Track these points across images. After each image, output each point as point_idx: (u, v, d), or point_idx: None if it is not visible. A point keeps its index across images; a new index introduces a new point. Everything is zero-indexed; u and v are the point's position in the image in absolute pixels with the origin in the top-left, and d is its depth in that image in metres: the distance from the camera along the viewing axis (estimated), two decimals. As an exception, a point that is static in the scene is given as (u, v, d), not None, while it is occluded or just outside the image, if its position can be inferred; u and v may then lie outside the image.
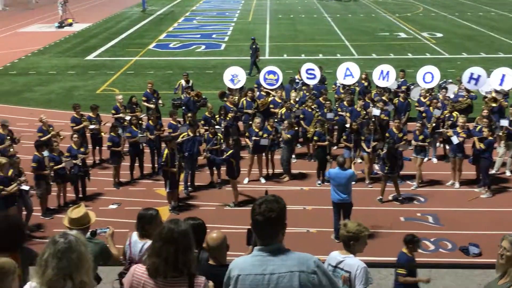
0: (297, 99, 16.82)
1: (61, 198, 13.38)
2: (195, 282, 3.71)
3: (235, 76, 18.56)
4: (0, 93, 23.22)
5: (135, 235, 5.96)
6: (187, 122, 15.14)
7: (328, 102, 16.38)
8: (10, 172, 11.70)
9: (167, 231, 3.69)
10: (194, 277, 3.73)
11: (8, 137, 14.04)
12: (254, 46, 25.56)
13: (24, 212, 11.87)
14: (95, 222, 5.79)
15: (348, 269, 5.39)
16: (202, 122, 15.61)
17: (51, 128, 14.94)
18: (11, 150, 13.70)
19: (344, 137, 14.55)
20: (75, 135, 13.85)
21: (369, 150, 13.95)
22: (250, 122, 15.53)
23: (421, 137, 13.99)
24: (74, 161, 13.22)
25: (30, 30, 39.44)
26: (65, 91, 23.57)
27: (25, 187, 11.70)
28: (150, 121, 15.23)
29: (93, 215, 5.74)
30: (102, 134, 15.64)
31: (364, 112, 15.72)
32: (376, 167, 14.54)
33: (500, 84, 17.35)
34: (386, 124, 15.87)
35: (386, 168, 13.06)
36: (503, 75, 17.47)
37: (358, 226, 5.44)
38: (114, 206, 13.27)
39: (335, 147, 15.92)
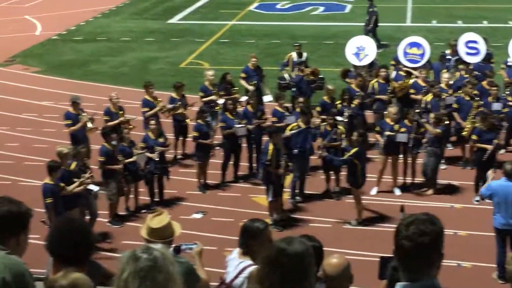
0: (450, 82, 16.32)
1: (132, 201, 13.87)
2: None
3: (361, 49, 18.35)
4: (62, 64, 24.55)
5: (235, 252, 6.09)
6: (298, 110, 15.16)
7: (494, 88, 15.73)
8: (73, 165, 12.23)
9: (275, 252, 3.72)
10: None
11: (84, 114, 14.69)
12: (371, 10, 25.04)
13: (87, 217, 12.39)
14: (179, 235, 5.94)
15: None
16: (318, 109, 15.59)
17: (121, 112, 15.38)
18: (89, 125, 14.27)
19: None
20: (152, 121, 14.26)
21: None
22: (384, 112, 15.26)
23: None
24: (149, 155, 13.56)
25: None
26: (141, 63, 24.55)
27: (93, 188, 12.17)
28: (248, 106, 15.40)
29: (178, 226, 5.90)
30: (188, 121, 15.96)
31: None
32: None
33: None
34: None
35: None
36: None
37: None
38: (198, 216, 13.56)
39: (502, 151, 15.30)
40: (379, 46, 23.17)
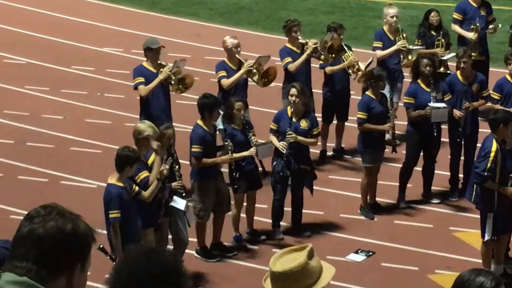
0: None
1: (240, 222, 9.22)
2: None
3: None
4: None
5: None
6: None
7: None
8: (153, 158, 7.87)
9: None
10: None
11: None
12: None
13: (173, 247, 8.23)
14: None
15: None
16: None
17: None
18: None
19: None
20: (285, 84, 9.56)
21: None
22: None
23: None
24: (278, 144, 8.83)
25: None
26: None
27: (179, 206, 8.01)
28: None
29: (330, 270, 3.55)
30: None
31: None
32: None
33: None
34: None
35: None
36: None
37: None
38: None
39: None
40: None
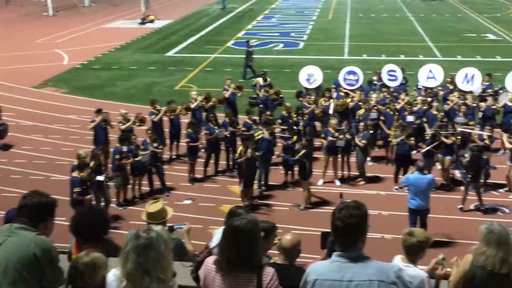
0: (377, 101, 16.50)
1: (137, 190, 13.83)
2: (264, 273, 3.75)
3: (311, 76, 18.53)
4: (84, 87, 24.23)
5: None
6: (263, 121, 15.18)
7: (409, 107, 15.87)
8: (92, 163, 12.05)
9: (231, 227, 3.74)
10: (263, 268, 3.76)
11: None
12: (249, 49, 24.65)
13: (103, 204, 12.32)
14: (171, 217, 5.93)
15: (410, 279, 5.22)
16: (279, 121, 15.63)
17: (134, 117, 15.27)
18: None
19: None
20: (149, 131, 14.32)
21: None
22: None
23: None
24: (143, 153, 13.48)
25: (114, 26, 40.97)
26: (146, 86, 24.35)
27: (99, 178, 12.02)
28: (226, 119, 15.41)
29: (170, 210, 5.88)
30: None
31: (442, 115, 15.23)
32: (458, 173, 14.13)
33: None
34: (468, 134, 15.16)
35: (469, 176, 12.60)
36: None
37: (425, 234, 5.40)
38: (188, 202, 13.53)
39: (414, 152, 15.43)
40: (255, 76, 23.35)
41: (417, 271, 5.29)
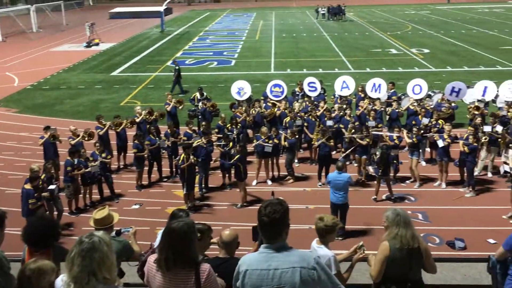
0: (300, 110, 16.78)
1: (88, 199, 13.42)
2: (200, 269, 3.71)
3: (241, 89, 18.62)
4: (34, 106, 23.31)
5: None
6: (202, 130, 15.13)
7: (328, 113, 16.20)
8: (43, 176, 11.59)
9: (168, 229, 3.68)
10: (199, 265, 3.71)
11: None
12: (176, 68, 24.63)
13: (56, 213, 11.85)
14: (119, 222, 5.79)
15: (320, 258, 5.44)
16: (216, 130, 15.60)
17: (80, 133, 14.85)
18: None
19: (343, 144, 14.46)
20: (97, 143, 13.95)
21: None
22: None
23: (415, 140, 14.03)
24: (93, 164, 13.11)
25: (61, 50, 39.66)
26: (92, 103, 23.66)
27: (51, 187, 11.58)
28: (168, 130, 15.23)
29: (116, 215, 5.73)
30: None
31: (354, 120, 15.64)
32: (371, 169, 14.56)
33: (483, 95, 17.68)
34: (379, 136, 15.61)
35: (380, 171, 13.03)
36: (485, 87, 17.85)
37: (333, 220, 5.51)
38: (136, 207, 13.24)
39: (334, 152, 15.80)
40: (183, 92, 23.87)
41: (325, 251, 5.42)
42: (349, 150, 14.29)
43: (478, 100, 17.27)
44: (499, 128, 14.52)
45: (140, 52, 37.58)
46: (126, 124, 15.84)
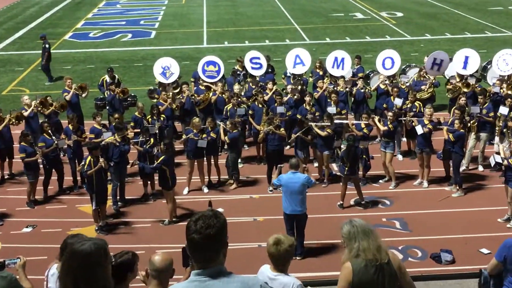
0: (242, 93, 16.79)
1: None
2: None
3: (166, 69, 18.36)
4: None
5: (55, 267, 5.78)
6: (113, 125, 14.87)
7: (278, 97, 16.15)
8: None
9: (69, 250, 3.61)
10: None
11: None
12: (44, 46, 23.89)
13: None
14: (1, 250, 5.61)
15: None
16: (132, 124, 15.39)
17: None
18: None
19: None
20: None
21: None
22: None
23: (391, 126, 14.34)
24: None
25: None
26: (-36, 93, 22.81)
27: None
28: (69, 125, 14.87)
29: None
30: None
31: (315, 109, 15.72)
32: (335, 167, 14.76)
33: (464, 68, 17.98)
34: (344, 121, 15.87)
35: (346, 169, 13.16)
36: (466, 57, 18.04)
37: (291, 241, 5.65)
38: (28, 230, 12.89)
39: (287, 147, 15.92)
40: (51, 79, 23.69)
41: (288, 279, 5.51)
42: (298, 133, 14.24)
43: (471, 75, 17.75)
44: (475, 109, 14.86)
45: (27, 22, 36.63)
46: (10, 120, 15.34)
